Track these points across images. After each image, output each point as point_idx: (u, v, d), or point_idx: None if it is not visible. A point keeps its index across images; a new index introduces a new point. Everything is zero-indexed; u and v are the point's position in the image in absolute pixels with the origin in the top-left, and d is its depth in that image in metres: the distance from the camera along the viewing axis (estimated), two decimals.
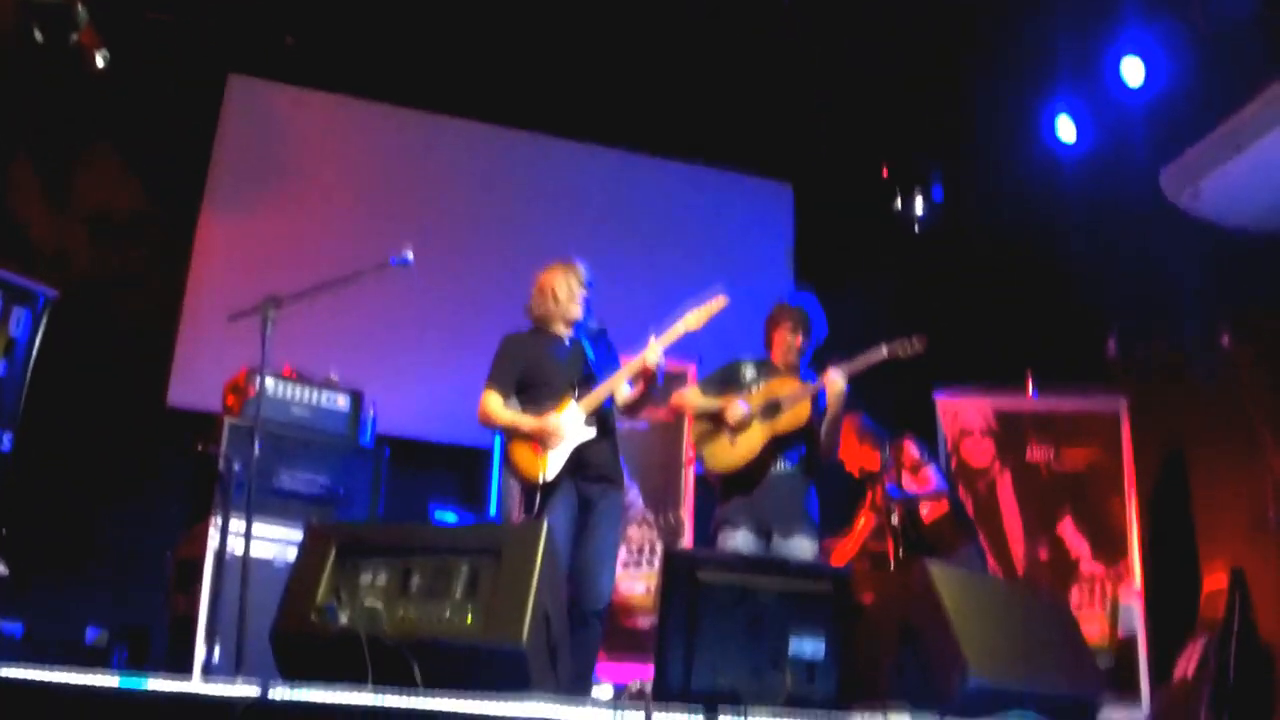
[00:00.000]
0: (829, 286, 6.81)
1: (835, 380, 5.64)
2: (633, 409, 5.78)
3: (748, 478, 5.78)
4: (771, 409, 5.78)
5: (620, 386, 5.61)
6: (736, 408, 5.79)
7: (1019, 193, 9.37)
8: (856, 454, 7.00)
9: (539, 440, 5.46)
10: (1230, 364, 7.02)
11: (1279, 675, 7.04)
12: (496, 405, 5.60)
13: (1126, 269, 8.80)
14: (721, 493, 5.90)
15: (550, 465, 5.42)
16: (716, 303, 5.65)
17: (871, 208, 10.21)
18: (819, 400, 5.80)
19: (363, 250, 5.83)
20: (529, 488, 5.50)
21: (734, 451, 5.81)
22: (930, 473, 6.57)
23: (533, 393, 5.63)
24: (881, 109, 9.66)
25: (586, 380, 5.60)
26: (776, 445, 5.77)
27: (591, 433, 5.49)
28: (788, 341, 5.95)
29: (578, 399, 5.52)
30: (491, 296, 8.98)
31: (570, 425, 5.47)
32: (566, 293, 5.74)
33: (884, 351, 5.73)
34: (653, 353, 5.50)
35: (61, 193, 8.41)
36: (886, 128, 9.86)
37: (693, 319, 5.62)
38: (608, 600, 5.45)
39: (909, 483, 6.61)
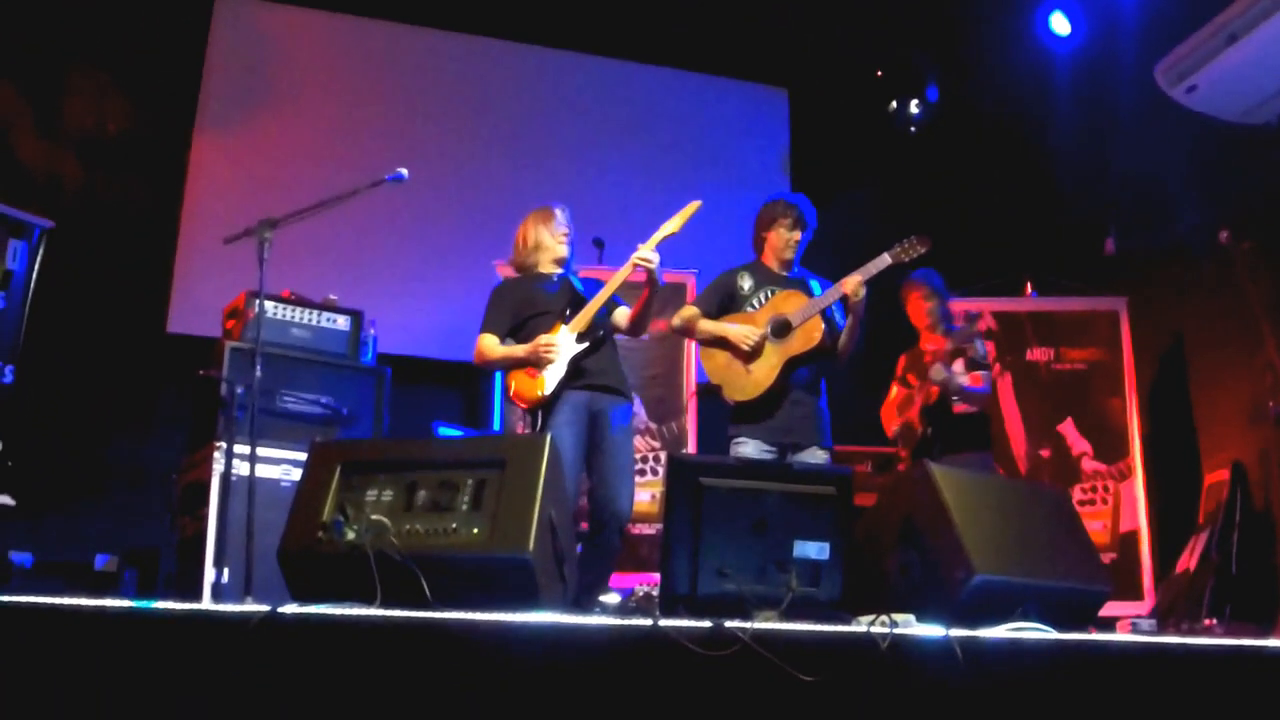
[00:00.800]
0: (825, 191, 6.78)
1: (857, 289, 5.64)
2: (637, 325, 5.78)
3: (764, 402, 5.79)
4: (781, 328, 5.76)
5: (609, 299, 5.63)
6: (747, 335, 5.77)
7: (1014, 91, 9.32)
8: (918, 313, 6.81)
9: (534, 363, 5.49)
10: (1228, 258, 6.99)
11: None
12: (491, 344, 5.66)
13: (1122, 166, 8.77)
14: (735, 412, 5.90)
15: (548, 381, 5.48)
16: (691, 206, 5.64)
17: (866, 111, 10.15)
18: (826, 314, 5.80)
19: (358, 168, 5.83)
20: (533, 409, 5.56)
21: (750, 379, 5.80)
22: (983, 377, 6.48)
23: (527, 327, 5.67)
24: (874, 10, 9.57)
25: (577, 307, 5.61)
26: (791, 366, 5.77)
27: (584, 345, 5.52)
28: (785, 238, 5.92)
29: (568, 322, 5.54)
30: (489, 210, 8.98)
31: (563, 343, 5.49)
32: (540, 238, 5.79)
33: (888, 259, 5.72)
34: (643, 252, 5.50)
35: (50, 117, 8.33)
36: (880, 29, 9.77)
37: (671, 225, 5.62)
38: (628, 514, 5.50)
39: (960, 371, 6.47)
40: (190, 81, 8.90)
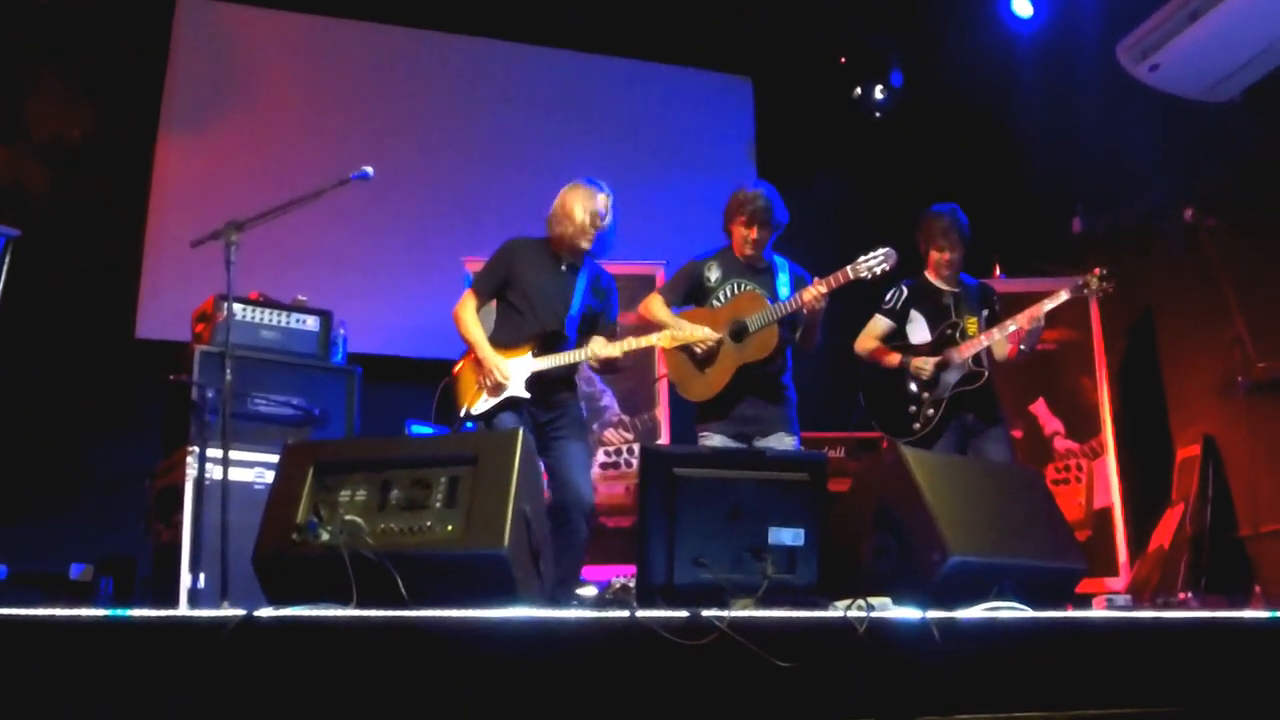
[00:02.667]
0: (791, 179, 6.78)
1: (816, 301, 5.61)
2: (606, 368, 5.83)
3: (722, 402, 5.81)
4: (739, 331, 5.75)
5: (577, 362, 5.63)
6: (704, 340, 5.70)
7: (977, 74, 9.35)
8: (941, 254, 6.35)
9: (484, 373, 5.49)
10: (1194, 234, 7.04)
11: (1252, 539, 7.13)
12: (469, 310, 5.65)
13: (1087, 145, 8.81)
14: (698, 411, 5.91)
15: (478, 405, 5.51)
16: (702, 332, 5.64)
17: (831, 98, 10.17)
18: (786, 320, 5.79)
19: (325, 168, 5.79)
20: (456, 407, 5.59)
21: (703, 380, 5.82)
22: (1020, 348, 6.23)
23: (509, 313, 5.67)
24: None
25: (555, 337, 5.59)
26: (745, 371, 5.77)
27: (526, 395, 5.49)
28: (742, 235, 5.91)
29: (535, 354, 5.52)
30: (456, 207, 8.98)
31: (514, 378, 5.47)
32: (582, 217, 5.61)
33: (850, 274, 5.67)
34: (612, 350, 5.54)
35: (14, 124, 8.27)
36: (842, 16, 9.78)
37: (665, 338, 5.61)
38: (591, 502, 5.50)
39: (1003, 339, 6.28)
40: (154, 84, 8.84)
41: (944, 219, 6.33)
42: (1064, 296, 5.93)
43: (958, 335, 6.15)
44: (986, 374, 6.05)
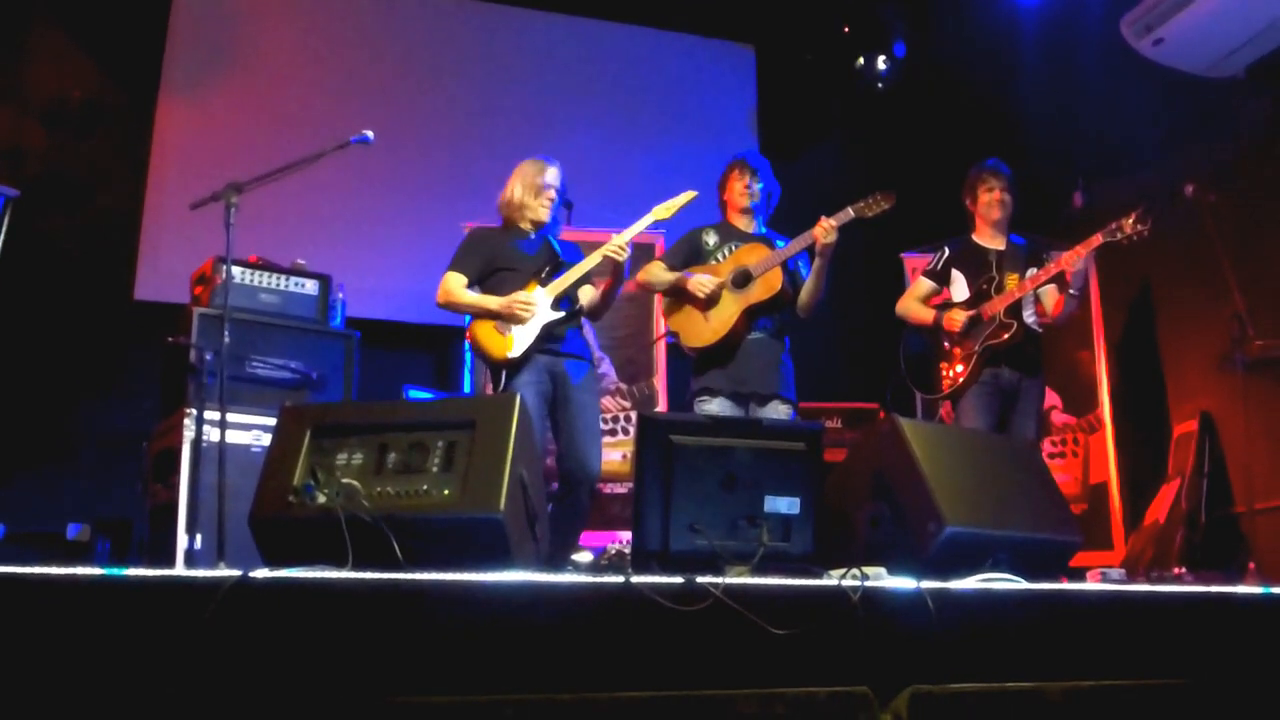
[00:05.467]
0: (793, 148, 6.77)
1: (828, 232, 5.64)
2: (595, 311, 5.80)
3: (723, 350, 5.81)
4: (742, 278, 5.79)
5: (587, 271, 5.62)
6: (703, 283, 5.79)
7: (981, 45, 9.33)
8: (991, 203, 6.33)
9: (505, 318, 5.46)
10: (1194, 210, 7.02)
11: (1247, 515, 7.14)
12: (458, 285, 5.61)
13: (1089, 119, 8.79)
14: (696, 365, 5.93)
15: (517, 342, 5.45)
16: (686, 196, 5.66)
17: (834, 67, 10.14)
18: (790, 265, 5.83)
19: (326, 131, 5.77)
20: (495, 366, 5.53)
21: (708, 326, 5.83)
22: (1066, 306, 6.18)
23: (497, 280, 5.64)
24: None
25: (553, 270, 5.59)
26: (750, 315, 5.79)
27: (559, 315, 5.50)
28: (738, 187, 5.99)
29: (544, 284, 5.52)
30: (456, 171, 8.96)
31: (538, 304, 5.47)
32: (526, 188, 5.71)
33: (851, 212, 5.72)
34: (618, 241, 5.51)
35: (14, 85, 8.25)
36: None
37: (661, 210, 5.63)
38: (598, 473, 5.51)
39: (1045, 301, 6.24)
40: (154, 46, 8.82)
41: (988, 164, 6.43)
42: (1098, 241, 5.89)
43: (993, 290, 6.13)
44: (1016, 325, 6.02)
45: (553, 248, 5.72)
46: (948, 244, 6.43)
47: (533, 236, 5.75)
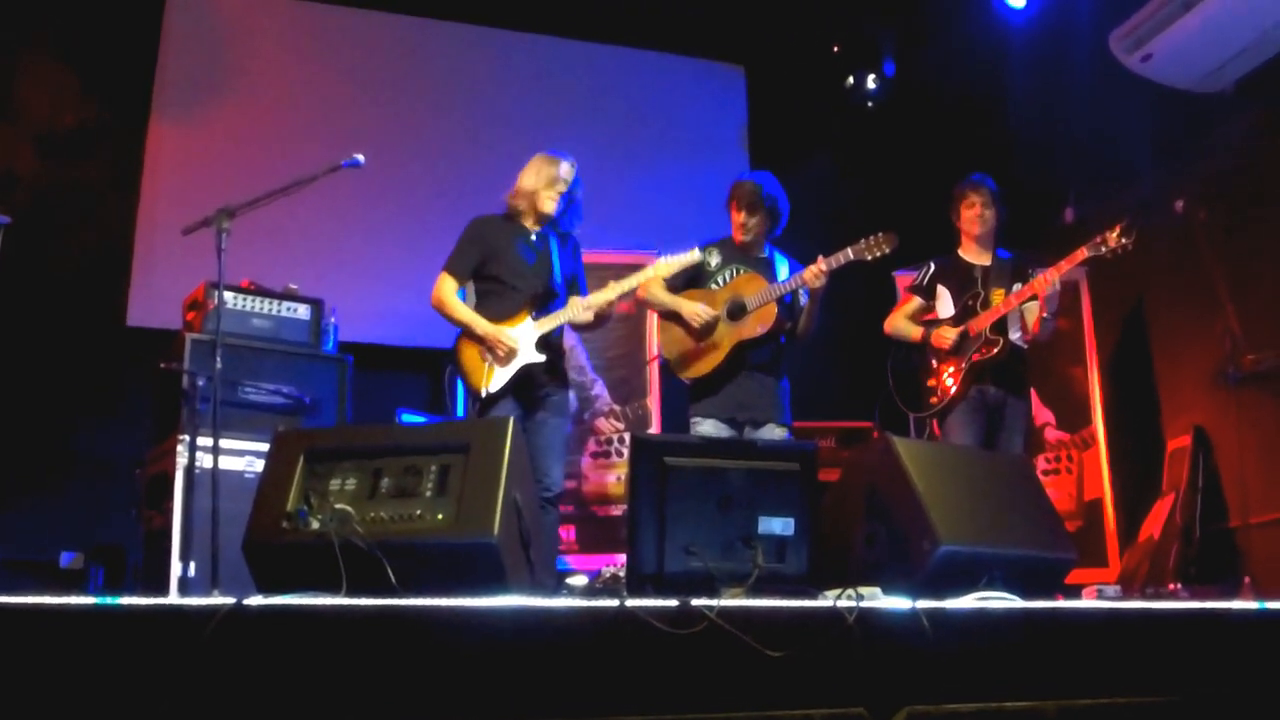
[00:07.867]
0: (784, 168, 6.77)
1: (816, 278, 5.66)
2: (586, 329, 5.88)
3: (715, 381, 5.81)
4: (737, 310, 5.79)
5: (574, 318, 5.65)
6: (698, 313, 5.79)
7: (970, 63, 9.34)
8: (972, 219, 6.33)
9: (488, 347, 5.47)
10: (1186, 225, 7.04)
11: (1242, 530, 7.15)
12: (450, 293, 5.64)
13: (1080, 135, 8.80)
14: (692, 391, 5.93)
15: (495, 379, 5.49)
16: (691, 256, 5.68)
17: (824, 86, 10.16)
18: (785, 299, 5.83)
19: (317, 155, 5.77)
20: (472, 391, 5.56)
21: (700, 357, 5.84)
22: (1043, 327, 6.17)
23: (491, 288, 5.64)
24: None
25: (547, 296, 5.60)
26: (742, 349, 5.79)
27: (540, 358, 5.52)
28: (736, 220, 5.99)
29: (535, 318, 5.52)
30: (447, 194, 8.94)
31: (522, 343, 5.48)
32: (535, 181, 5.70)
33: (851, 254, 5.71)
34: (607, 293, 5.59)
35: (4, 109, 8.25)
36: (835, 4, 9.78)
37: (664, 267, 5.65)
38: (560, 487, 5.55)
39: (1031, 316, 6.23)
40: (146, 70, 8.81)
41: (971, 179, 6.41)
42: (1081, 256, 5.89)
43: (978, 306, 6.14)
44: (1003, 342, 6.02)
45: (550, 257, 5.71)
46: (933, 260, 6.43)
47: (534, 237, 5.73)
